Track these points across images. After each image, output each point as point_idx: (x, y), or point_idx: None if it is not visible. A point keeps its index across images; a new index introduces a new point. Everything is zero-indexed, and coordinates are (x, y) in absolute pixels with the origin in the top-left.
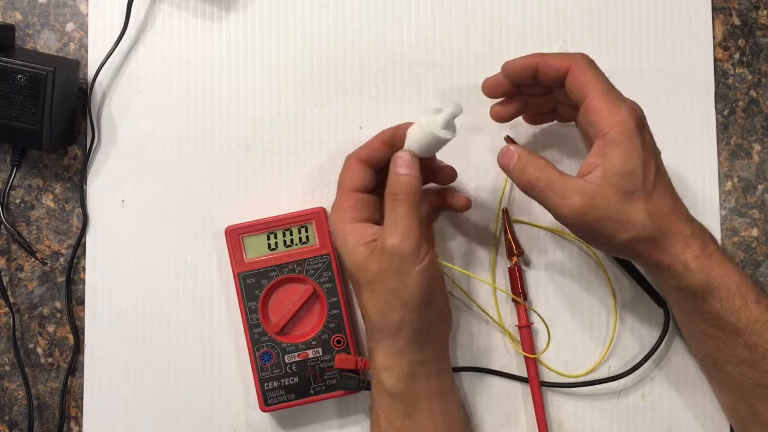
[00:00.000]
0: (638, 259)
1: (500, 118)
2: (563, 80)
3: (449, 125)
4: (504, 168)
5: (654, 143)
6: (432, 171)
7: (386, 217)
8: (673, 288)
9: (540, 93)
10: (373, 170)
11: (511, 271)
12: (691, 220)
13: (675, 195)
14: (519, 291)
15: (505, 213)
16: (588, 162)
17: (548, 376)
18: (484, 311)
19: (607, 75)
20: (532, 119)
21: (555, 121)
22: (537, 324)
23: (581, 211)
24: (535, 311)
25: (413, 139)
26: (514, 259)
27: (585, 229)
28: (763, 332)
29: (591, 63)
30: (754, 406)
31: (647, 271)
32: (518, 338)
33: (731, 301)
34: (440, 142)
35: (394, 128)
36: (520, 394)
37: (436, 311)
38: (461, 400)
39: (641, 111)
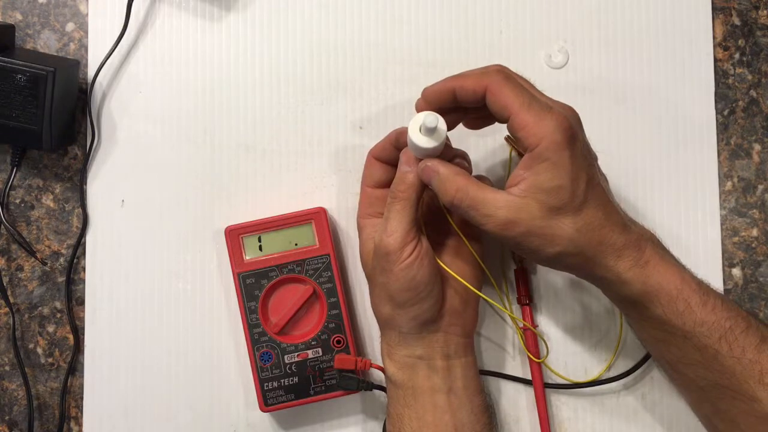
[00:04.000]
0: (570, 272)
1: None
2: (483, 100)
3: (429, 132)
4: (428, 184)
5: (587, 151)
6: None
7: (384, 213)
8: (613, 297)
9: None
10: (389, 166)
11: (517, 273)
12: (627, 230)
13: (609, 205)
14: (524, 293)
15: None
16: (515, 174)
17: (549, 377)
18: (501, 307)
19: (607, 74)
20: (471, 124)
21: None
22: (541, 326)
23: (504, 227)
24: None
25: (408, 139)
26: (521, 261)
27: (511, 244)
28: (711, 334)
29: (507, 78)
30: (716, 404)
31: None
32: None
33: (673, 307)
34: (418, 149)
35: (403, 127)
36: (522, 394)
37: (429, 310)
38: (488, 404)
39: (571, 119)
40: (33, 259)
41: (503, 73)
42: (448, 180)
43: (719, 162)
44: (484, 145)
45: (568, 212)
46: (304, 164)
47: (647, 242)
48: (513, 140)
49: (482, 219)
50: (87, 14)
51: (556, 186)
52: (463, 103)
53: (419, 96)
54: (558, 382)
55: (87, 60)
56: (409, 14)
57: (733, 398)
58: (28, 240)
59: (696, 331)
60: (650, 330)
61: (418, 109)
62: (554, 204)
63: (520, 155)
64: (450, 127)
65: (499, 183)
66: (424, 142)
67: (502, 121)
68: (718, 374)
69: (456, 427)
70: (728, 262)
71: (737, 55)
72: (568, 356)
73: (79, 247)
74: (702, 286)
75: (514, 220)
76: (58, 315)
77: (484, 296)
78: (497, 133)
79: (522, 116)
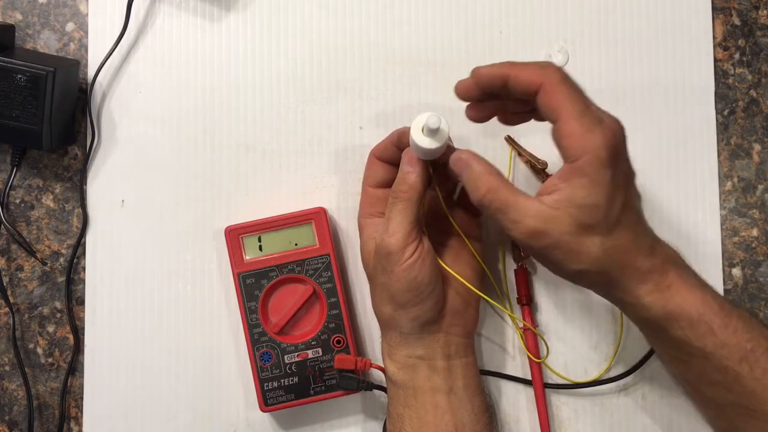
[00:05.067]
0: (590, 289)
1: (476, 119)
2: (535, 95)
3: (431, 133)
4: (458, 175)
5: (628, 170)
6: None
7: (385, 213)
8: (633, 318)
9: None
10: (391, 166)
11: (517, 273)
12: (653, 253)
13: (640, 226)
14: (524, 293)
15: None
16: (551, 182)
17: (549, 377)
18: (501, 307)
19: (607, 74)
20: (508, 119)
21: (532, 120)
22: (541, 326)
23: (531, 236)
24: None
25: (410, 140)
26: (521, 261)
27: (534, 253)
28: (731, 356)
29: (564, 79)
30: (734, 422)
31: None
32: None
33: (694, 330)
34: (420, 149)
35: (405, 127)
36: (522, 394)
37: (430, 311)
38: (488, 404)
39: (619, 136)
40: (33, 259)
41: (561, 73)
42: (480, 177)
43: (719, 162)
44: (484, 146)
45: (598, 232)
46: (304, 164)
47: (671, 264)
48: (513, 141)
49: (509, 224)
50: (87, 14)
51: (591, 204)
52: (512, 94)
53: (418, 95)
54: (558, 382)
55: (87, 60)
56: (409, 14)
57: (751, 417)
58: (28, 240)
59: (717, 353)
60: (669, 350)
61: (462, 90)
62: (586, 221)
63: (521, 156)
64: (487, 118)
65: None
66: (427, 142)
67: (549, 121)
68: (738, 395)
69: (457, 427)
70: (728, 262)
71: (737, 55)
72: (568, 356)
73: (79, 247)
74: (724, 307)
75: (542, 231)
76: (58, 315)
77: (484, 296)
78: (498, 134)
79: (571, 124)
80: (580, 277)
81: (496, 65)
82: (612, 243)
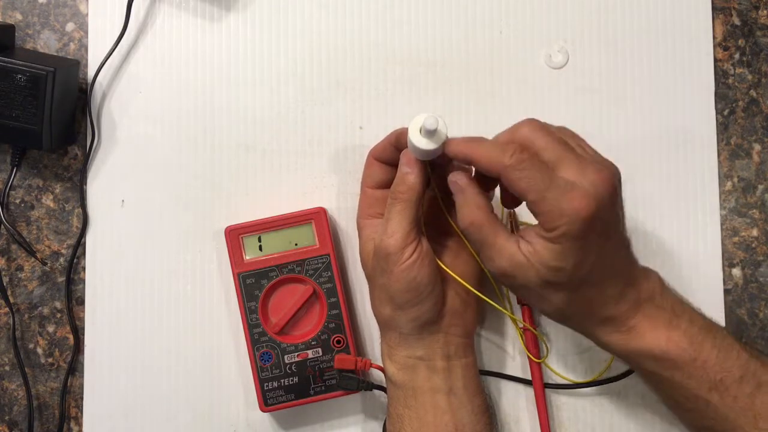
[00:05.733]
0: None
1: None
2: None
3: (429, 134)
4: (453, 195)
5: (607, 228)
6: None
7: (384, 214)
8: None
9: None
10: (389, 166)
11: None
12: (620, 301)
13: (610, 280)
14: None
15: (513, 216)
16: (532, 230)
17: (549, 377)
18: (500, 308)
19: (607, 74)
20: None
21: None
22: (541, 326)
23: (501, 275)
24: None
25: (408, 141)
26: None
27: (506, 285)
28: (700, 386)
29: (519, 167)
30: None
31: None
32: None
33: (659, 364)
34: (418, 150)
35: (403, 128)
36: (522, 394)
37: (430, 311)
38: (488, 404)
39: (601, 197)
40: (33, 259)
41: (515, 157)
42: (468, 208)
43: (719, 162)
44: None
45: (563, 288)
46: (304, 164)
47: (644, 304)
48: None
49: (484, 258)
50: (87, 14)
51: (557, 267)
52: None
53: (418, 95)
54: (558, 382)
55: (87, 60)
56: (409, 14)
57: None
58: (28, 240)
59: (684, 383)
60: (642, 374)
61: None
62: (551, 280)
63: None
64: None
65: None
66: (424, 143)
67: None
68: (712, 420)
69: (456, 428)
70: (728, 262)
71: (737, 55)
72: (568, 356)
73: (79, 247)
74: (694, 343)
75: (511, 274)
76: (58, 315)
77: (484, 297)
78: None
79: (537, 205)
80: (544, 314)
81: (463, 142)
82: (576, 296)
